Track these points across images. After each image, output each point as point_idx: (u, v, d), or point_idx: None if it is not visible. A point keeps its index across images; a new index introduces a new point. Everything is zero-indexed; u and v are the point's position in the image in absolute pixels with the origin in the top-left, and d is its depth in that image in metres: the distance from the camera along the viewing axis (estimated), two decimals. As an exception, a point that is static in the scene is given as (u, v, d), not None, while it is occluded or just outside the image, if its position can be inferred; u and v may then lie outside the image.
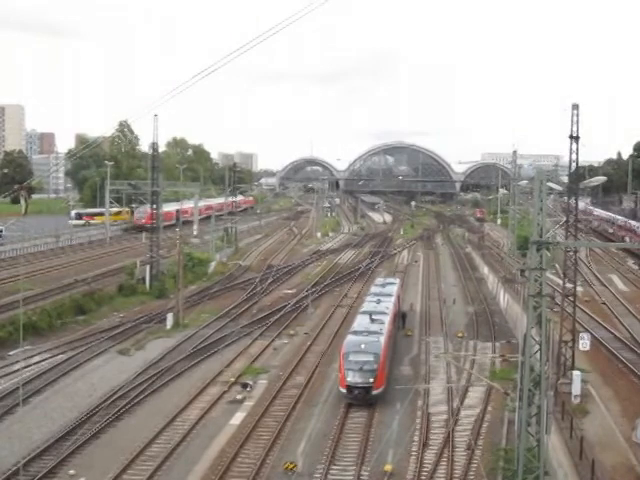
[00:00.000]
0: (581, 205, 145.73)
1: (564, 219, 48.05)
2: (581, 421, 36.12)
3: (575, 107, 41.52)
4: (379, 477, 30.48)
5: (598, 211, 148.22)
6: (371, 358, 39.79)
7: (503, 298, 67.52)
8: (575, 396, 38.90)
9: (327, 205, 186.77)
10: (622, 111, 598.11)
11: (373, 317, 45.92)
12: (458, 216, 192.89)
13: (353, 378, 39.17)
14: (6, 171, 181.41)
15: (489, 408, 38.85)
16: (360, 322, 45.71)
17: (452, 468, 31.21)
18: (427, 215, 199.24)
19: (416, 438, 34.55)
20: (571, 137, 41.96)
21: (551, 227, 55.37)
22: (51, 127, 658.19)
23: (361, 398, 38.97)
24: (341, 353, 40.77)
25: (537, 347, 24.67)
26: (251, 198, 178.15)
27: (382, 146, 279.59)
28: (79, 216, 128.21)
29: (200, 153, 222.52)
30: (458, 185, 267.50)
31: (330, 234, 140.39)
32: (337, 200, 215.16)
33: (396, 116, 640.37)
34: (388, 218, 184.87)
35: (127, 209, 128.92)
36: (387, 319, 46.56)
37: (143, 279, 72.65)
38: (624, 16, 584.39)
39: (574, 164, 42.74)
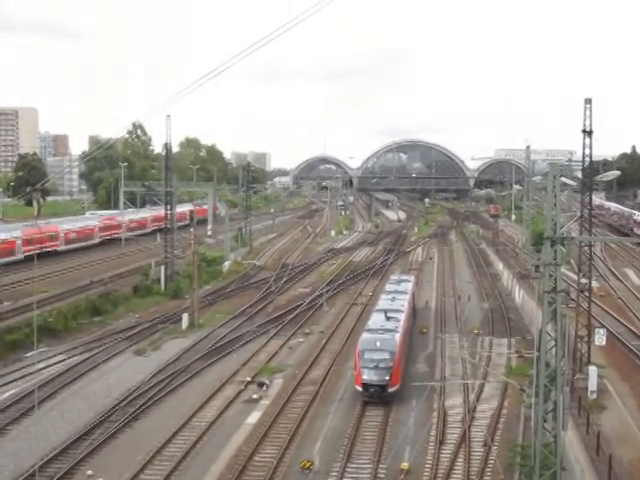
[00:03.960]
0: (613, 206, 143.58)
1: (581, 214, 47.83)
2: (598, 416, 36.10)
3: (588, 101, 41.40)
4: (396, 475, 30.45)
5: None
6: (387, 356, 39.75)
7: (518, 294, 67.31)
8: (591, 391, 38.82)
9: (341, 203, 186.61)
10: (636, 104, 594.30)
11: (388, 315, 45.82)
12: (472, 213, 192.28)
13: (369, 376, 39.12)
14: (21, 174, 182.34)
15: (505, 404, 38.76)
16: (375, 320, 45.64)
17: (469, 465, 31.17)
18: (441, 212, 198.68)
19: (432, 435, 34.53)
20: (584, 131, 41.83)
21: (565, 222, 55.16)
22: (65, 129, 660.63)
23: (377, 396, 38.94)
24: (356, 351, 40.76)
25: (553, 343, 24.58)
26: (205, 207, 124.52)
27: (395, 143, 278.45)
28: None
29: (213, 153, 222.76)
30: (472, 181, 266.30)
31: (344, 232, 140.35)
32: (351, 198, 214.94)
33: (409, 113, 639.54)
34: (402, 215, 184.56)
35: None
36: (402, 316, 46.48)
37: (158, 280, 72.95)
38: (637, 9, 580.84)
39: (588, 159, 42.61)
